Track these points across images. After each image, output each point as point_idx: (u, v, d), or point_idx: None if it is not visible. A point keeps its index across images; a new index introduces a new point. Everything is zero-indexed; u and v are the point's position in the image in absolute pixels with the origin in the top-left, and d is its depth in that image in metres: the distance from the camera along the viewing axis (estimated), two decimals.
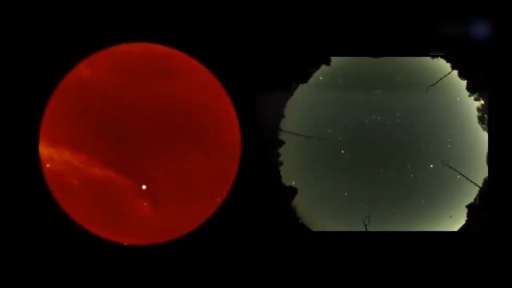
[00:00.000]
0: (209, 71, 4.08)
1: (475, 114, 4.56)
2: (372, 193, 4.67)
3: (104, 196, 4.02)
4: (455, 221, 4.49)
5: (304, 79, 4.57)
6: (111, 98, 4.03)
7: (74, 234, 4.02)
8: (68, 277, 4.05)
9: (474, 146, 4.54)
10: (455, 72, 4.51)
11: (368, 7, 4.15)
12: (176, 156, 4.06)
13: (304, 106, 4.62)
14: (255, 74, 4.17)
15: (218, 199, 4.08)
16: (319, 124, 4.67)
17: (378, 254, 4.16)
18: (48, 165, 4.00)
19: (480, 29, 4.11)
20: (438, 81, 4.56)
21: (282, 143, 4.58)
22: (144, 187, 4.04)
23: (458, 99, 4.59)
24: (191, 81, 4.10)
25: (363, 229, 4.55)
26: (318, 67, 4.55)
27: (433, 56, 4.42)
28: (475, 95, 4.53)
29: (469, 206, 4.49)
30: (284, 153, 4.56)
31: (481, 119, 4.53)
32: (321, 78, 4.62)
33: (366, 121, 4.69)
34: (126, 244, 4.05)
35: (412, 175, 4.68)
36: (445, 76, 4.53)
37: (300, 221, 4.50)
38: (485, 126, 4.44)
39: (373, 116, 4.69)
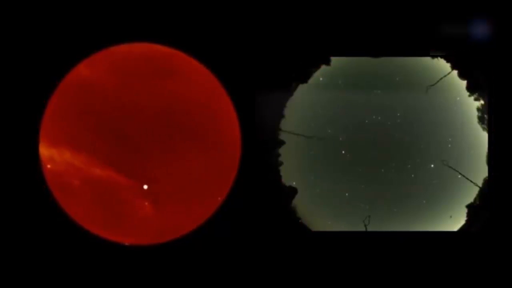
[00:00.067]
0: (209, 71, 4.08)
1: (475, 114, 4.56)
2: (372, 193, 4.67)
3: (104, 196, 4.03)
4: (455, 221, 4.50)
5: (304, 79, 4.57)
6: (111, 98, 4.03)
7: (74, 234, 4.02)
8: (69, 277, 4.06)
9: (474, 146, 4.54)
10: (455, 72, 4.51)
11: (368, 7, 4.15)
12: (176, 156, 4.07)
13: (304, 106, 4.62)
14: (255, 74, 4.17)
15: (219, 198, 4.09)
16: (319, 124, 4.67)
17: (378, 254, 4.16)
18: (48, 166, 4.00)
19: (480, 29, 4.11)
20: (438, 81, 4.56)
21: (282, 143, 4.58)
22: (145, 187, 4.04)
23: (458, 98, 4.59)
24: (191, 81, 4.10)
25: (363, 229, 4.55)
26: (318, 67, 4.55)
27: (433, 56, 4.42)
28: (475, 95, 4.53)
29: (469, 206, 4.49)
30: (284, 153, 4.56)
31: (481, 119, 4.53)
32: (321, 78, 4.62)
33: (366, 121, 4.69)
34: (127, 244, 4.05)
35: (412, 175, 4.68)
36: (445, 76, 4.53)
37: (300, 221, 4.50)
38: (485, 126, 4.44)
39: (373, 116, 4.69)
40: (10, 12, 4.03)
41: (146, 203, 4.06)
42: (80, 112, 4.01)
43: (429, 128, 4.65)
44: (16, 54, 4.02)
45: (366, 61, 4.50)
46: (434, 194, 4.63)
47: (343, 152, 4.71)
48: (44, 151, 3.99)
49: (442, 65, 4.49)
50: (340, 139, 4.70)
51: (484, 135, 4.41)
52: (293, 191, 4.56)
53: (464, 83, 4.52)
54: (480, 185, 4.48)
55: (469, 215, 4.47)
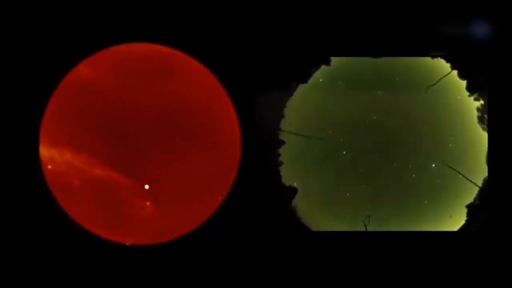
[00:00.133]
0: (209, 71, 4.08)
1: (475, 114, 4.56)
2: (373, 194, 4.67)
3: (105, 197, 4.03)
4: (455, 221, 4.50)
5: (304, 79, 4.57)
6: (112, 98, 4.03)
7: (75, 234, 4.02)
8: (69, 277, 4.06)
9: (474, 146, 4.54)
10: (455, 72, 4.51)
11: (368, 7, 4.15)
12: (176, 156, 4.07)
13: (304, 106, 4.62)
14: (255, 74, 4.17)
15: (219, 198, 4.09)
16: (319, 124, 4.67)
17: (378, 254, 4.16)
18: (49, 166, 4.00)
19: (480, 29, 4.11)
20: (438, 81, 4.55)
21: (282, 143, 4.58)
22: (146, 187, 4.05)
23: (459, 97, 4.59)
24: (191, 81, 4.10)
25: (363, 229, 4.55)
26: (318, 67, 4.55)
27: (433, 56, 4.41)
28: (475, 95, 4.53)
29: (469, 206, 4.49)
30: (284, 153, 4.56)
31: (481, 119, 4.53)
32: (321, 78, 4.62)
33: (366, 121, 4.69)
34: (127, 244, 4.06)
35: (413, 175, 4.68)
36: (445, 76, 4.53)
37: (300, 221, 4.50)
38: (485, 126, 4.44)
39: (374, 117, 4.69)
40: (10, 12, 4.03)
41: (147, 203, 4.06)
42: (80, 112, 4.01)
43: (429, 128, 4.65)
44: (16, 54, 4.02)
45: (366, 61, 4.50)
46: (435, 194, 4.63)
47: (344, 152, 4.71)
48: (44, 151, 3.99)
49: (442, 65, 4.49)
50: (340, 139, 4.70)
51: (484, 135, 4.41)
52: (293, 191, 4.56)
53: (464, 83, 4.52)
54: (480, 185, 4.48)
55: (469, 215, 4.47)
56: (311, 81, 4.59)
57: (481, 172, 4.45)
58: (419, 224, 4.51)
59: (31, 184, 3.99)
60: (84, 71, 4.02)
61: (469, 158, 4.57)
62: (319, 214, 4.62)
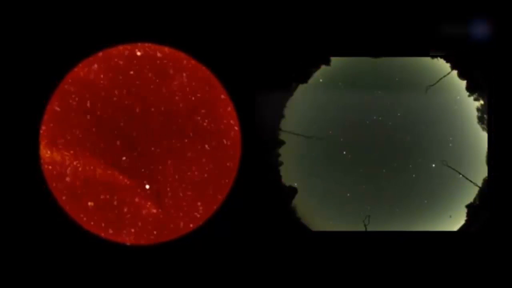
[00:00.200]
0: (209, 71, 4.08)
1: (475, 114, 4.56)
2: (373, 194, 4.68)
3: (106, 197, 4.03)
4: (455, 221, 4.50)
5: (304, 79, 4.57)
6: (112, 98, 4.03)
7: (76, 235, 4.02)
8: (70, 278, 4.06)
9: (474, 146, 4.54)
10: (455, 72, 4.51)
11: (368, 7, 4.15)
12: (176, 156, 4.07)
13: (304, 106, 4.62)
14: (255, 74, 4.17)
15: (219, 197, 4.09)
16: (319, 124, 4.67)
17: (378, 254, 4.16)
18: (49, 167, 4.00)
19: (480, 29, 4.11)
20: (438, 81, 4.56)
21: (282, 143, 4.58)
22: (147, 187, 4.05)
23: (458, 97, 4.59)
24: (191, 82, 4.10)
25: (363, 229, 4.55)
26: (318, 67, 4.55)
27: (433, 56, 4.42)
28: (475, 95, 4.53)
29: (468, 206, 4.50)
30: (284, 153, 4.57)
31: (481, 119, 4.53)
32: (321, 78, 4.62)
33: (366, 122, 4.69)
34: (128, 244, 4.06)
35: (413, 175, 4.68)
36: (445, 76, 4.53)
37: (300, 221, 4.50)
38: (485, 126, 4.44)
39: (374, 117, 4.70)
40: (10, 12, 4.03)
41: (149, 203, 4.07)
42: (80, 113, 4.01)
43: (429, 128, 4.65)
44: (16, 54, 4.02)
45: (366, 61, 4.51)
46: (435, 194, 4.63)
47: (344, 152, 4.71)
48: (45, 152, 3.99)
49: (442, 65, 4.49)
50: (340, 139, 4.71)
51: (484, 135, 4.41)
52: (293, 191, 4.57)
53: (464, 83, 4.52)
54: (480, 185, 4.48)
55: (468, 215, 4.47)
56: (311, 81, 4.59)
57: (481, 172, 4.45)
58: (419, 224, 4.52)
59: (31, 184, 3.99)
60: (84, 71, 4.02)
61: (469, 158, 4.57)
62: (319, 214, 4.62)
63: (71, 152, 4.00)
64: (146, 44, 4.06)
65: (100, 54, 4.03)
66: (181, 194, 4.09)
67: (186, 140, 4.08)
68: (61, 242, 4.04)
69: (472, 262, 4.10)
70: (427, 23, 4.14)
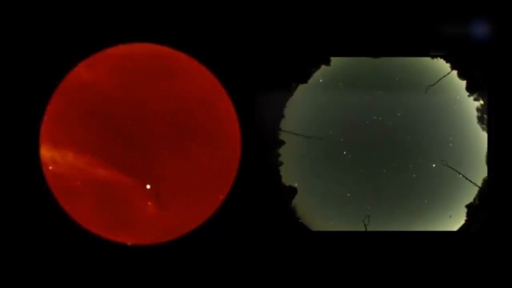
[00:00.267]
0: (209, 71, 4.08)
1: (475, 114, 4.56)
2: (373, 194, 4.68)
3: (107, 197, 4.03)
4: (455, 221, 4.50)
5: (304, 79, 4.57)
6: (112, 98, 4.03)
7: (77, 235, 4.02)
8: (71, 278, 4.06)
9: (474, 146, 4.54)
10: (455, 72, 4.51)
11: (368, 7, 4.15)
12: (177, 156, 4.07)
13: (304, 106, 4.63)
14: (255, 74, 4.17)
15: (220, 196, 4.09)
16: (319, 124, 4.67)
17: (378, 254, 4.16)
18: (51, 167, 4.00)
19: (480, 29, 4.11)
20: (438, 81, 4.56)
21: (282, 143, 4.58)
22: (148, 186, 4.05)
23: (458, 97, 4.59)
24: (191, 81, 4.10)
25: (363, 229, 4.55)
26: (318, 67, 4.55)
27: (433, 56, 4.42)
28: (475, 95, 4.53)
29: (468, 206, 4.50)
30: (284, 153, 4.57)
31: (480, 119, 4.53)
32: (321, 78, 4.62)
33: (367, 122, 4.69)
34: (129, 244, 4.06)
35: (414, 175, 4.68)
36: (445, 76, 4.53)
37: (300, 221, 4.51)
38: (485, 126, 4.44)
39: (374, 117, 4.69)
40: (10, 12, 4.03)
41: (149, 203, 4.07)
42: (81, 113, 4.02)
43: (429, 128, 4.65)
44: (16, 54, 4.02)
45: (366, 61, 4.51)
46: (435, 194, 4.63)
47: (344, 152, 4.71)
48: (46, 152, 3.99)
49: (442, 65, 4.49)
50: (340, 139, 4.71)
51: (484, 135, 4.41)
52: (293, 191, 4.57)
53: (464, 83, 4.53)
54: (480, 185, 4.48)
55: (468, 215, 4.47)
56: (311, 81, 4.59)
57: (481, 172, 4.45)
58: (419, 224, 4.52)
59: (31, 185, 3.99)
60: (85, 71, 4.02)
61: (469, 158, 4.57)
62: (319, 214, 4.62)
63: (73, 152, 4.00)
64: (147, 44, 4.06)
65: (101, 54, 4.03)
66: (181, 194, 4.09)
67: (186, 140, 4.09)
68: (61, 242, 4.04)
69: (472, 262, 4.10)
70: (427, 23, 4.14)
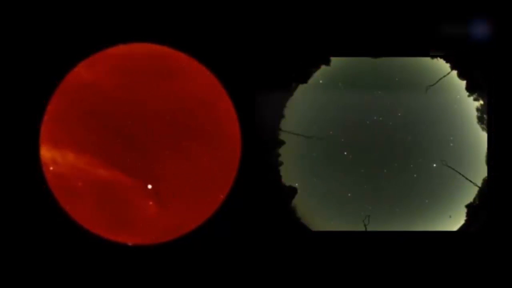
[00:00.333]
0: (209, 71, 4.08)
1: (474, 114, 4.56)
2: (373, 194, 4.68)
3: (108, 197, 4.03)
4: (455, 221, 4.50)
5: (304, 79, 4.57)
6: (112, 98, 4.04)
7: (77, 235, 4.02)
8: (71, 278, 4.06)
9: (474, 146, 4.54)
10: (455, 72, 4.51)
11: (368, 7, 4.15)
12: (177, 156, 4.07)
13: (304, 106, 4.63)
14: (255, 74, 4.17)
15: (220, 196, 4.09)
16: (319, 124, 4.68)
17: (378, 254, 4.16)
18: (51, 168, 4.00)
19: (480, 29, 4.11)
20: (438, 81, 4.56)
21: (282, 143, 4.58)
22: (149, 186, 4.05)
23: (458, 97, 4.59)
24: (191, 81, 4.11)
25: (363, 229, 4.55)
26: (318, 67, 4.55)
27: (433, 56, 4.42)
28: (475, 95, 4.53)
29: (468, 206, 4.50)
30: (284, 153, 4.57)
31: (480, 119, 4.53)
32: (321, 78, 4.62)
33: (367, 122, 4.69)
34: (130, 244, 4.06)
35: (414, 175, 4.68)
36: (445, 76, 4.53)
37: (300, 221, 4.51)
38: (485, 126, 4.44)
39: (374, 117, 4.70)
40: (10, 12, 4.03)
41: (150, 203, 4.07)
42: (81, 113, 4.02)
43: (429, 128, 4.65)
44: (16, 54, 4.03)
45: (366, 61, 4.51)
46: (435, 194, 4.64)
47: (344, 152, 4.72)
48: (46, 152, 3.99)
49: (442, 65, 4.49)
50: (341, 139, 4.71)
51: (484, 135, 4.41)
52: (293, 191, 4.57)
53: (464, 83, 4.53)
54: (480, 185, 4.48)
55: (468, 215, 4.47)
56: (311, 81, 4.59)
57: (480, 172, 4.45)
58: (419, 224, 4.52)
59: (31, 185, 3.99)
60: (85, 71, 4.03)
61: (469, 158, 4.57)
62: (319, 214, 4.62)
63: (73, 153, 4.01)
64: (147, 44, 4.06)
65: (101, 54, 4.03)
66: (181, 194, 4.09)
67: (186, 140, 4.09)
68: (61, 242, 4.04)
69: (472, 262, 4.10)
70: (427, 23, 4.14)
